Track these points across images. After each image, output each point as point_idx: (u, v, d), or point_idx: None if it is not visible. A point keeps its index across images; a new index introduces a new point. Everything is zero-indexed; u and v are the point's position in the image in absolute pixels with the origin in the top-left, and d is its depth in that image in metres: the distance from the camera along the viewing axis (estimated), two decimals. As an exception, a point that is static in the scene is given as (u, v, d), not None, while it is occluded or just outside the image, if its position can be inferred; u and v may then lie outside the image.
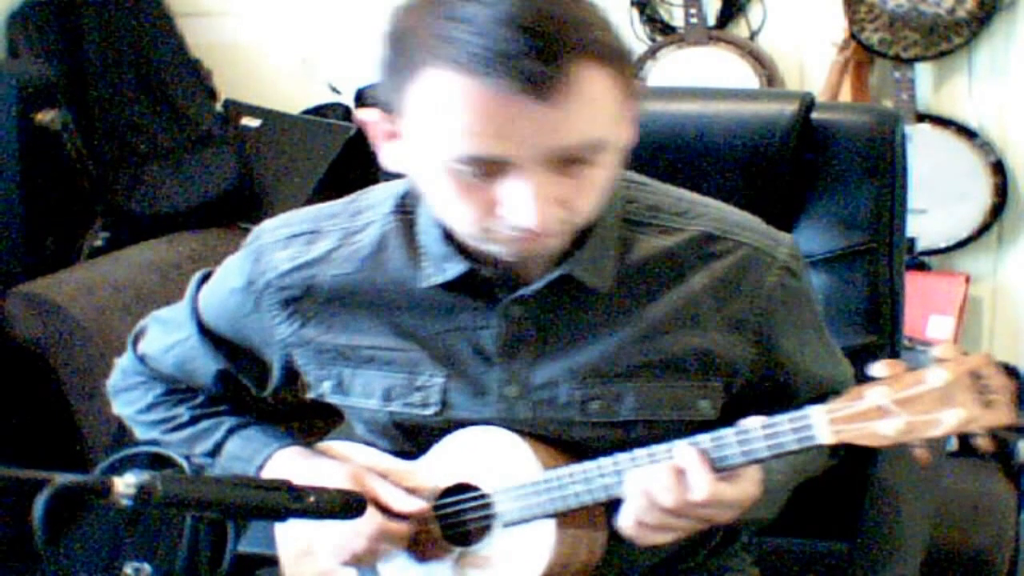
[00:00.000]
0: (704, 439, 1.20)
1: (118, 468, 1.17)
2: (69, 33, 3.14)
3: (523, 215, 1.13)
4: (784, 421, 1.17)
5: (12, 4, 3.13)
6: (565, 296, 1.28)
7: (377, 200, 1.35)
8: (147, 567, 1.24)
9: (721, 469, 1.19)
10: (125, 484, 1.12)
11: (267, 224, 1.39)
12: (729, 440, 1.19)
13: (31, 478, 1.09)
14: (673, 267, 1.29)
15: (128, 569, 1.23)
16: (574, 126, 1.11)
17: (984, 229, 2.91)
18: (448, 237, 1.27)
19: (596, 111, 1.12)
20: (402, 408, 1.34)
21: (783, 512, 1.36)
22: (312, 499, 1.27)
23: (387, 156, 1.24)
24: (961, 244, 2.93)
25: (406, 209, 1.32)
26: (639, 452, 1.23)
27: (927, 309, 2.88)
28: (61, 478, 1.09)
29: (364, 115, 1.24)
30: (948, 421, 1.11)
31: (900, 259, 1.71)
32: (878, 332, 1.69)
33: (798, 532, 1.74)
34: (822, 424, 1.15)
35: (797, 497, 1.40)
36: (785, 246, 1.31)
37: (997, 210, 2.89)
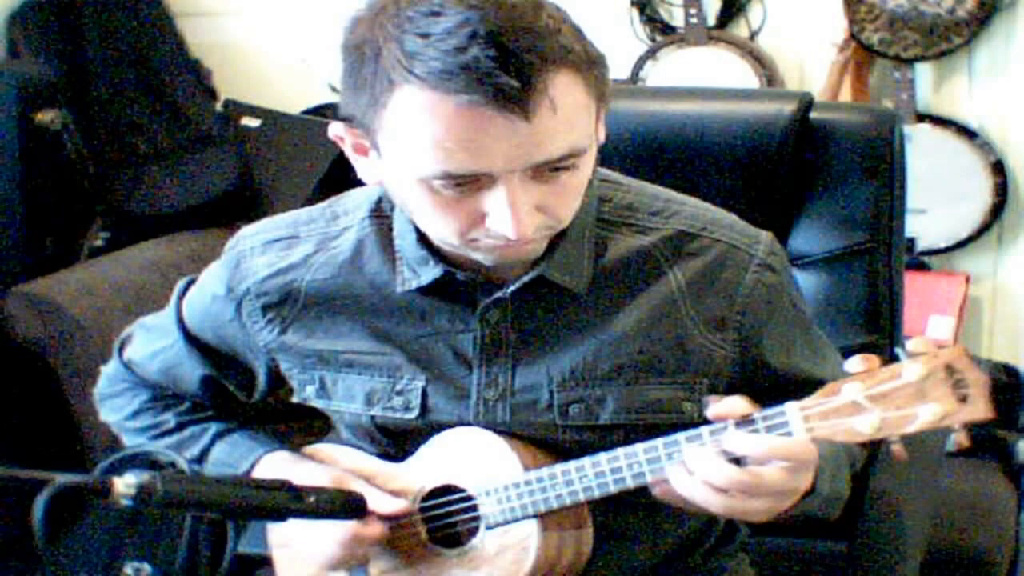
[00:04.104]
0: (680, 437, 1.19)
1: (118, 468, 1.16)
2: (69, 33, 3.14)
3: (504, 226, 1.13)
4: (759, 419, 1.16)
5: (12, 4, 3.13)
6: (542, 299, 1.28)
7: (354, 205, 1.35)
8: (147, 567, 1.24)
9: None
10: (125, 484, 1.12)
11: (246, 230, 1.40)
12: (704, 439, 1.17)
13: (31, 478, 1.09)
14: (649, 266, 1.28)
15: (128, 569, 1.23)
16: (552, 138, 1.10)
17: (984, 229, 2.91)
18: (423, 241, 1.27)
19: (573, 120, 1.11)
20: (383, 412, 1.34)
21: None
22: (312, 499, 1.27)
23: (362, 169, 1.24)
24: (961, 244, 2.93)
25: (382, 213, 1.32)
26: (619, 452, 1.22)
27: (927, 309, 2.88)
28: (61, 478, 1.09)
29: (334, 130, 1.23)
30: (924, 416, 1.09)
31: (899, 259, 1.71)
32: (878, 332, 1.69)
33: (798, 532, 1.74)
34: (796, 421, 1.14)
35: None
36: (763, 243, 1.30)
37: (997, 210, 2.89)
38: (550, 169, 1.13)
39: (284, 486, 1.27)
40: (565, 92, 1.10)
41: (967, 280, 2.96)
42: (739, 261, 1.28)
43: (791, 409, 1.14)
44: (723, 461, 1.15)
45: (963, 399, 1.09)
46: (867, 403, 1.11)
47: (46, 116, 2.88)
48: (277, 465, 1.42)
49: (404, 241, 1.29)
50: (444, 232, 1.18)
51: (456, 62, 1.06)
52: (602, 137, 1.21)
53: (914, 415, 1.09)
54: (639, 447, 1.22)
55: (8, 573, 2.54)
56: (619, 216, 1.30)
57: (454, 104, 1.07)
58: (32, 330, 2.70)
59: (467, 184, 1.12)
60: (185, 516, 1.36)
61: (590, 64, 1.13)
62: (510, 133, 1.08)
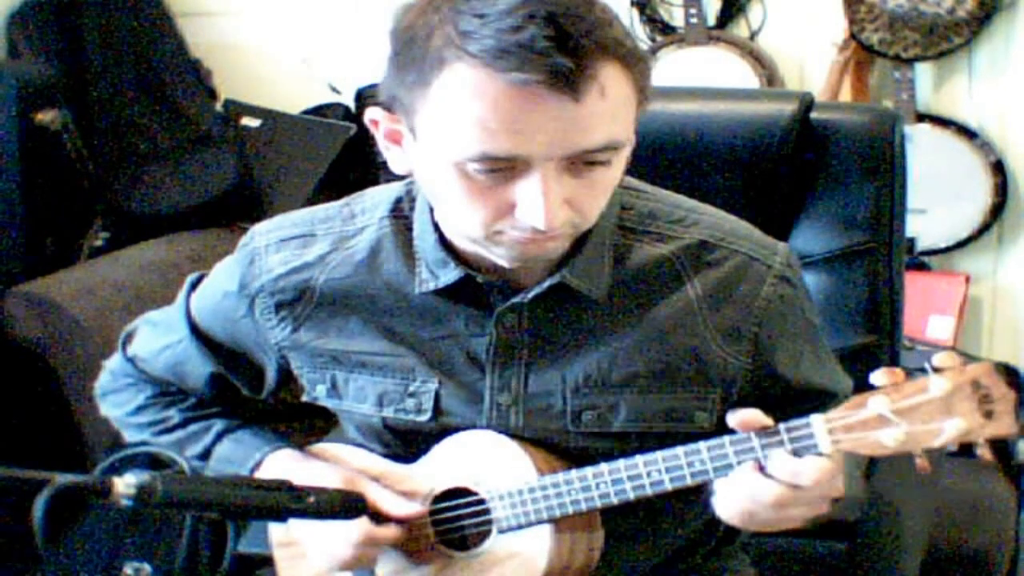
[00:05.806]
0: (702, 446, 1.19)
1: (118, 468, 1.16)
2: (69, 33, 3.14)
3: (534, 215, 1.12)
4: (784, 430, 1.15)
5: (12, 4, 3.13)
6: (559, 304, 1.27)
7: (372, 204, 1.34)
8: (147, 567, 1.24)
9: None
10: (125, 484, 1.12)
11: (260, 227, 1.38)
12: (726, 450, 1.18)
13: (31, 478, 1.09)
14: (668, 275, 1.28)
15: (128, 569, 1.23)
16: (597, 125, 1.10)
17: (984, 229, 2.91)
18: (443, 242, 1.26)
19: (617, 111, 1.12)
20: (395, 414, 1.33)
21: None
22: (312, 499, 1.27)
23: (392, 159, 1.23)
24: (961, 244, 2.93)
25: (402, 213, 1.32)
26: (638, 459, 1.22)
27: (927, 309, 2.88)
28: (61, 478, 1.09)
29: (371, 114, 1.23)
30: (949, 431, 1.09)
31: (900, 259, 1.71)
32: (878, 332, 1.69)
33: (798, 532, 1.73)
34: (821, 433, 1.14)
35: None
36: (781, 255, 1.30)
37: (997, 210, 2.89)
38: (585, 162, 1.13)
39: (284, 486, 1.27)
40: (613, 82, 1.10)
41: (967, 280, 2.96)
42: (757, 273, 1.28)
43: (816, 421, 1.14)
44: (763, 477, 1.15)
45: (988, 415, 1.10)
46: (893, 417, 1.11)
47: (46, 116, 2.88)
48: (283, 463, 1.41)
49: (424, 242, 1.28)
50: (469, 223, 1.17)
51: (512, 40, 1.06)
52: (633, 141, 1.20)
53: (939, 429, 1.10)
54: (659, 454, 1.21)
55: (8, 573, 2.54)
56: (640, 224, 1.29)
57: (504, 82, 1.07)
58: (32, 330, 2.70)
59: (502, 170, 1.12)
60: (185, 516, 1.36)
61: (636, 60, 1.13)
62: (557, 114, 1.08)
